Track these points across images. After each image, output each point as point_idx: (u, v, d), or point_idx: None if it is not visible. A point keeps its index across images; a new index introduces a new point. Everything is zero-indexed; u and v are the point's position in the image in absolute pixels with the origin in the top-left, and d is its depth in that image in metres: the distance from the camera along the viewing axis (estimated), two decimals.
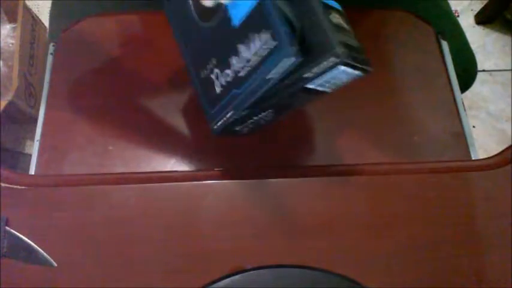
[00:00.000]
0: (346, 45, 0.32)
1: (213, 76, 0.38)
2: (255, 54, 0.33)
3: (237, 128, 0.42)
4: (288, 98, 0.37)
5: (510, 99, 1.21)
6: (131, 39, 0.53)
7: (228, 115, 0.38)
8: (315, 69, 0.33)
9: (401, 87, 0.52)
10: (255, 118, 0.40)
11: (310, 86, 0.35)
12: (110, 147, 0.47)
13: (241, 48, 0.34)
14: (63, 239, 0.41)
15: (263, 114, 0.40)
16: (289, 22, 0.32)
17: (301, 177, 0.44)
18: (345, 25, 0.35)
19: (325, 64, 0.33)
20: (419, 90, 0.52)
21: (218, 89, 0.38)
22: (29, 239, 0.40)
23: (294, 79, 0.34)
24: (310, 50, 0.33)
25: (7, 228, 0.40)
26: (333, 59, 0.32)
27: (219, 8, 0.35)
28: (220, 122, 0.39)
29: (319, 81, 0.35)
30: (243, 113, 0.38)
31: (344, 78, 0.35)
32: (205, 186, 0.43)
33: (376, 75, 0.52)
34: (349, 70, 0.33)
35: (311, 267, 0.39)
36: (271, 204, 0.43)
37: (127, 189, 0.43)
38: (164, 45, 0.50)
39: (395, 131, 0.49)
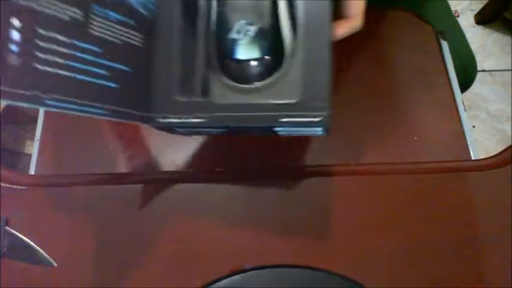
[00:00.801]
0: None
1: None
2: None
3: (178, 128, 0.37)
4: (248, 126, 0.35)
5: (510, 99, 1.21)
6: None
7: (194, 120, 0.34)
8: (296, 119, 0.32)
9: (401, 87, 0.52)
10: (204, 129, 0.36)
11: (277, 128, 0.34)
12: (110, 147, 0.47)
13: None
14: (63, 239, 0.41)
15: (214, 129, 0.36)
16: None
17: (301, 178, 0.44)
18: None
19: (308, 120, 0.32)
20: (419, 90, 0.51)
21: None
22: (29, 239, 0.40)
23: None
24: (301, 97, 0.32)
25: (7, 228, 0.40)
26: (319, 119, 0.31)
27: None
28: (175, 120, 0.34)
29: (288, 127, 0.33)
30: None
31: (307, 133, 0.34)
32: (205, 187, 0.43)
33: (376, 75, 0.52)
34: (320, 130, 0.33)
35: (311, 267, 0.39)
36: (271, 204, 0.43)
37: (127, 189, 0.43)
38: None
39: (395, 131, 0.49)
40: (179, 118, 0.34)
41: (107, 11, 0.32)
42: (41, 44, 0.29)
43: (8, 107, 0.97)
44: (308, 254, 0.41)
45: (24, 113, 1.03)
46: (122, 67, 0.33)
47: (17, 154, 1.07)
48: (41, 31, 0.29)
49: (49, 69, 0.29)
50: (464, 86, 0.65)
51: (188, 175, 0.45)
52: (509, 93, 1.22)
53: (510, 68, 1.25)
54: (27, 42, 0.28)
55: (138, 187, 0.43)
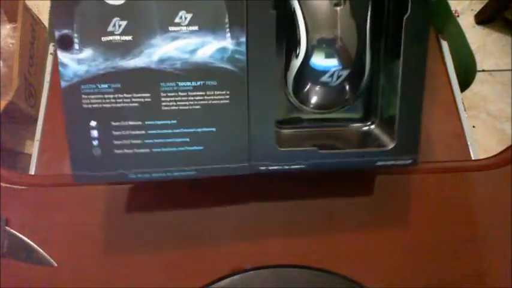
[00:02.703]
0: None
1: None
2: None
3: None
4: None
5: (510, 99, 1.21)
6: None
7: (295, 167, 0.36)
8: (390, 162, 0.36)
9: None
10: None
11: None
12: None
13: None
14: (63, 239, 0.41)
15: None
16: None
17: (301, 178, 0.44)
18: None
19: (401, 163, 0.36)
20: None
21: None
22: (29, 239, 0.40)
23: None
24: (396, 142, 0.36)
25: (7, 228, 0.40)
26: (410, 162, 0.36)
27: None
28: (276, 167, 0.36)
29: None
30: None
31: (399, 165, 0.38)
32: (205, 186, 0.43)
33: None
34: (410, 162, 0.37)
35: (311, 267, 0.39)
36: (271, 204, 0.43)
37: (127, 189, 0.43)
38: None
39: None
40: (282, 166, 0.36)
41: (179, 83, 0.33)
42: (116, 133, 0.33)
43: (8, 107, 0.97)
44: (308, 254, 0.41)
45: (24, 113, 1.03)
46: (205, 129, 0.34)
47: (17, 154, 1.07)
48: (114, 123, 0.33)
49: (126, 151, 0.33)
50: (465, 86, 0.65)
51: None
52: (509, 93, 1.22)
53: (510, 68, 1.25)
54: (104, 135, 0.33)
55: (138, 187, 0.43)
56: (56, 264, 0.40)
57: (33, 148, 0.47)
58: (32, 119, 1.05)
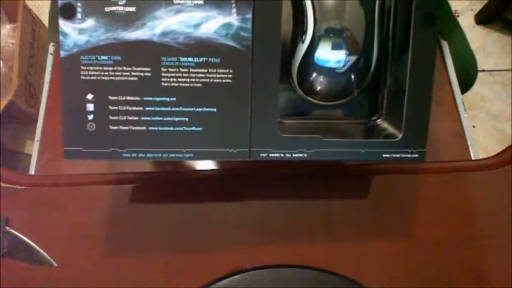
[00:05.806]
0: None
1: None
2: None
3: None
4: None
5: (510, 99, 1.21)
6: None
7: (297, 155, 0.34)
8: (397, 155, 0.35)
9: None
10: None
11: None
12: None
13: None
14: (63, 239, 0.41)
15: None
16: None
17: (301, 178, 0.44)
18: None
19: (408, 156, 0.35)
20: None
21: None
22: (29, 239, 0.40)
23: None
24: (403, 134, 0.34)
25: (7, 228, 0.40)
26: (417, 155, 0.35)
27: None
28: (277, 155, 0.34)
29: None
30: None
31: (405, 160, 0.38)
32: (205, 186, 0.43)
33: None
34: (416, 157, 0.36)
35: (311, 267, 0.39)
36: (271, 204, 0.43)
37: (127, 189, 0.43)
38: None
39: None
40: (283, 154, 0.34)
41: (180, 59, 0.32)
42: (112, 108, 0.32)
43: (8, 107, 0.97)
44: (308, 254, 0.41)
45: (24, 113, 1.03)
46: (205, 109, 0.33)
47: (17, 154, 1.07)
48: (111, 97, 0.32)
49: (122, 127, 0.32)
50: (466, 86, 0.65)
51: (188, 175, 0.45)
52: (509, 93, 1.22)
53: (510, 68, 1.25)
54: (100, 109, 0.32)
55: (138, 187, 0.43)
56: (56, 264, 0.40)
57: (33, 148, 0.47)
58: (32, 119, 1.05)
